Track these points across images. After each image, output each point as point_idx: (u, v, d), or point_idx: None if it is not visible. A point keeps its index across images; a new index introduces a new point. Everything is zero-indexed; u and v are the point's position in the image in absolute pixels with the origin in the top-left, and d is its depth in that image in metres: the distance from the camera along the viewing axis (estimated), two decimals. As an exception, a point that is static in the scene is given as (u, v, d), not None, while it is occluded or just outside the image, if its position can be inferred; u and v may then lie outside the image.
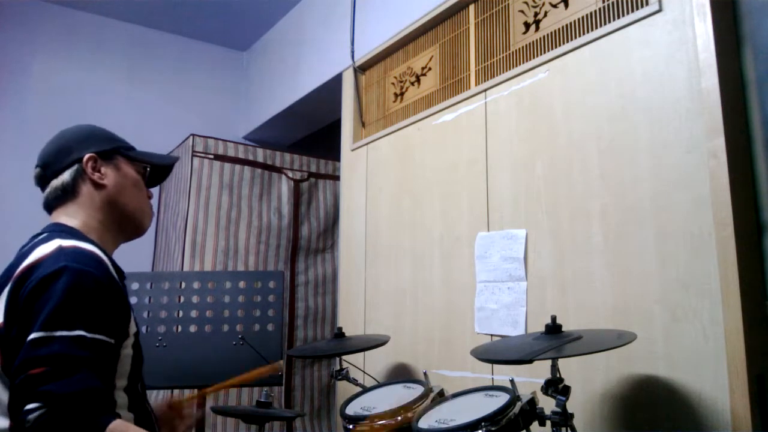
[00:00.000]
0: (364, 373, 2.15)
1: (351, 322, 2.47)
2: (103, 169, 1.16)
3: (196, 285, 2.23)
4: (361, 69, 2.74)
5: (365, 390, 1.72)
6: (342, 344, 1.89)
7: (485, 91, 1.98)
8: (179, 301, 2.22)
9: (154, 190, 1.41)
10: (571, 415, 1.23)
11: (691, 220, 1.36)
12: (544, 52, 1.80)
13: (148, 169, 1.25)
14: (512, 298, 1.76)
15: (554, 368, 1.26)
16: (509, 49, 1.95)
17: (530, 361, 1.19)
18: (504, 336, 1.76)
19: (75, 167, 1.14)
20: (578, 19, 1.72)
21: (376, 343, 1.88)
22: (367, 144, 2.56)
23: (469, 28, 2.15)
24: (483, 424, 1.21)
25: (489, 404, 1.30)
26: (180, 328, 2.18)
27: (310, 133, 3.86)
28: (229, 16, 3.56)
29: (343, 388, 2.50)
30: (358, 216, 2.55)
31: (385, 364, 2.25)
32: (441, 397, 1.52)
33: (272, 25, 3.66)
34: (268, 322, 2.23)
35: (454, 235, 2.02)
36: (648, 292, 1.42)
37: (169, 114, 3.61)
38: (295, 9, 3.42)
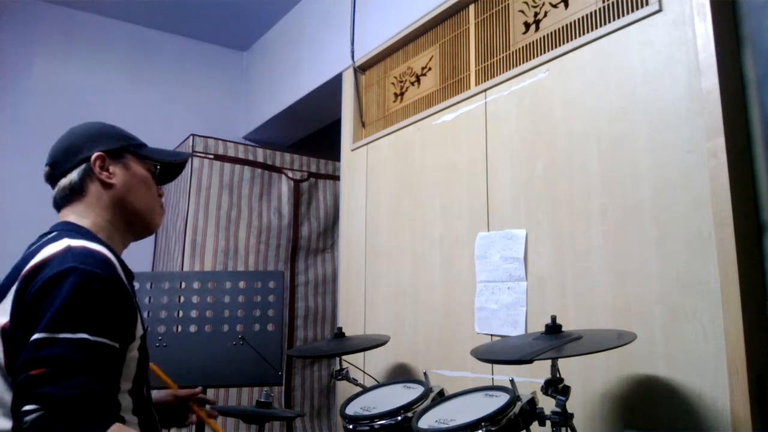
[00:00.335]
0: (364, 373, 2.15)
1: (351, 322, 2.47)
2: (111, 168, 1.14)
3: (196, 285, 2.23)
4: (361, 69, 2.74)
5: (365, 390, 1.72)
6: (342, 344, 1.89)
7: (485, 91, 1.98)
8: (179, 301, 2.22)
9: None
10: (571, 415, 1.23)
11: (691, 220, 1.36)
12: (544, 52, 1.80)
13: (158, 167, 1.24)
14: (512, 298, 1.76)
15: (554, 368, 1.26)
16: (509, 49, 1.95)
17: (530, 361, 1.19)
18: (504, 336, 1.76)
19: (83, 166, 1.13)
20: (578, 19, 1.72)
21: (376, 343, 1.88)
22: (367, 144, 2.56)
23: (469, 28, 2.15)
24: (483, 424, 1.21)
25: (489, 404, 1.30)
26: (180, 328, 2.18)
27: (310, 133, 3.86)
28: (229, 16, 3.56)
29: (343, 388, 2.50)
30: (358, 216, 2.55)
31: (385, 364, 2.25)
32: (441, 397, 1.52)
33: (272, 25, 3.66)
34: (268, 322, 2.23)
35: (454, 235, 2.02)
36: (648, 292, 1.42)
37: (169, 114, 3.61)
38: (295, 9, 3.42)
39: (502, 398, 1.31)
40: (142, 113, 3.50)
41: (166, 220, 3.38)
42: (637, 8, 1.55)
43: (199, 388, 1.46)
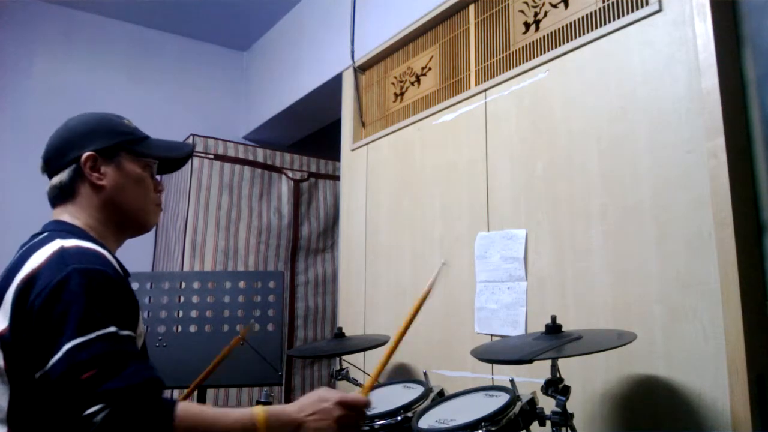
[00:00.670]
0: (364, 373, 2.15)
1: (351, 322, 2.47)
2: (102, 169, 1.11)
3: (196, 285, 2.23)
4: (361, 69, 2.74)
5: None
6: (342, 344, 1.89)
7: (485, 91, 1.98)
8: (179, 301, 2.22)
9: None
10: (571, 415, 1.23)
11: (691, 220, 1.36)
12: (544, 52, 1.80)
13: (156, 162, 1.20)
14: (512, 298, 1.76)
15: (554, 368, 1.26)
16: (509, 49, 1.95)
17: (530, 361, 1.19)
18: (504, 336, 1.76)
19: (73, 166, 1.10)
20: (578, 19, 1.72)
21: (376, 343, 1.88)
22: (367, 144, 2.56)
23: (469, 28, 2.15)
24: (483, 424, 1.21)
25: (489, 404, 1.30)
26: (180, 328, 2.18)
27: (310, 133, 3.86)
28: (229, 16, 3.56)
29: (343, 388, 2.50)
30: (358, 216, 2.55)
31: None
32: (441, 397, 1.52)
33: (272, 25, 3.66)
34: (268, 322, 2.23)
35: (454, 235, 2.02)
36: (648, 292, 1.42)
37: (169, 114, 3.61)
38: (295, 9, 3.42)
39: (502, 398, 1.32)
40: (142, 113, 3.46)
41: (166, 220, 3.38)
42: (637, 8, 1.55)
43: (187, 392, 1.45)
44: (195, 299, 2.21)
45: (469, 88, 2.08)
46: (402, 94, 2.47)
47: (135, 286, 2.16)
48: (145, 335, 1.11)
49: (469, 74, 2.11)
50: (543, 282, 1.69)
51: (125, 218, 1.15)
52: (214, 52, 3.92)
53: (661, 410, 1.36)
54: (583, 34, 1.69)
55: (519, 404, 1.27)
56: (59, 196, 1.12)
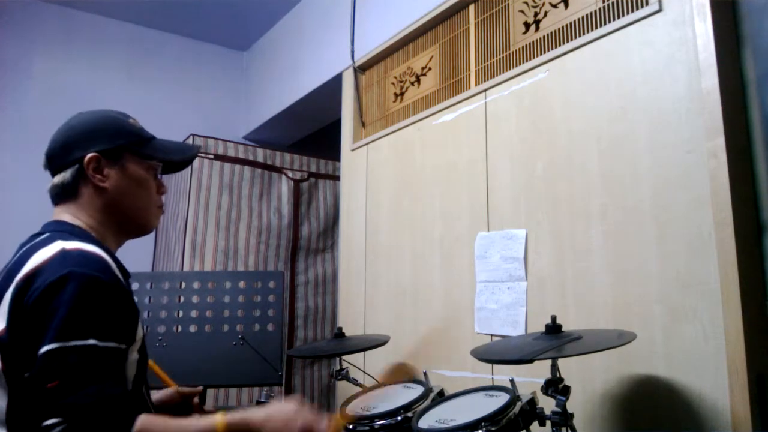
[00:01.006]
0: (364, 373, 2.15)
1: (351, 322, 2.47)
2: (105, 171, 1.10)
3: (196, 285, 2.23)
4: (361, 69, 2.74)
5: (366, 390, 1.72)
6: (342, 344, 1.89)
7: (485, 91, 1.98)
8: (179, 301, 2.21)
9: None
10: (571, 415, 1.23)
11: (691, 220, 1.36)
12: (544, 52, 1.80)
13: (161, 164, 1.20)
14: (512, 298, 1.76)
15: (554, 368, 1.26)
16: (509, 49, 1.95)
17: (530, 361, 1.19)
18: (504, 336, 1.76)
19: (76, 166, 1.09)
20: (578, 19, 1.72)
21: (376, 343, 1.88)
22: (367, 144, 2.56)
23: (469, 28, 2.15)
24: (483, 424, 1.21)
25: (489, 404, 1.30)
26: (180, 328, 2.18)
27: (310, 133, 3.86)
28: (229, 16, 3.56)
29: (343, 388, 2.50)
30: (358, 216, 2.55)
31: (385, 364, 2.25)
32: (441, 397, 1.52)
33: (272, 25, 3.66)
34: (268, 322, 2.23)
35: (454, 235, 2.02)
36: (648, 292, 1.42)
37: (169, 114, 3.61)
38: (295, 9, 3.42)
39: (502, 398, 1.31)
40: (142, 113, 3.44)
41: (166, 220, 3.38)
42: (637, 8, 1.55)
43: (200, 388, 1.45)
44: (195, 299, 2.21)
45: (469, 88, 2.08)
46: (402, 94, 2.47)
47: (135, 286, 2.16)
48: (144, 337, 1.10)
49: (469, 74, 2.11)
50: (543, 282, 1.69)
51: (126, 220, 1.15)
52: (214, 52, 3.92)
53: (661, 410, 1.36)
54: (583, 34, 1.69)
55: (519, 404, 1.27)
56: (61, 195, 1.11)
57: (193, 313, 2.19)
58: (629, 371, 1.44)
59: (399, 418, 1.44)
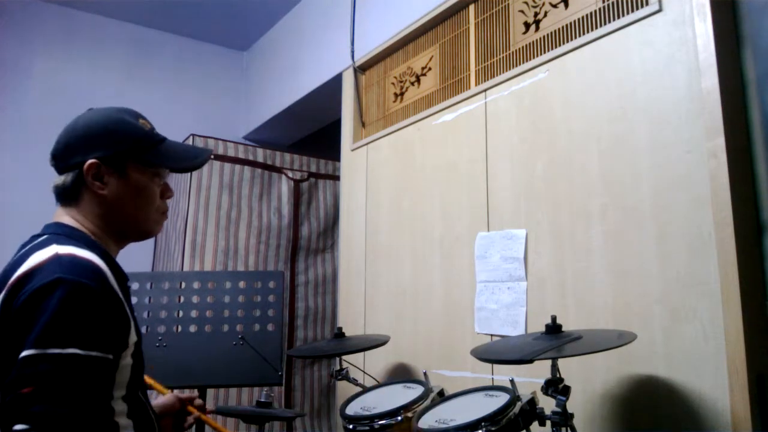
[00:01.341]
0: (364, 373, 2.15)
1: (351, 322, 2.47)
2: (105, 178, 1.08)
3: (196, 285, 2.23)
4: (361, 69, 2.74)
5: (365, 390, 1.72)
6: (342, 344, 1.89)
7: (485, 91, 1.98)
8: (179, 301, 2.22)
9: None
10: (571, 415, 1.23)
11: (691, 220, 1.36)
12: (544, 52, 1.80)
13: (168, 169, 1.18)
14: (512, 298, 1.76)
15: (554, 368, 1.26)
16: (509, 49, 1.95)
17: (530, 361, 1.19)
18: (504, 336, 1.76)
19: (77, 171, 1.07)
20: (578, 19, 1.72)
21: (376, 343, 1.88)
22: (367, 144, 2.56)
23: (469, 28, 2.15)
24: (483, 424, 1.21)
25: (489, 404, 1.30)
26: (180, 328, 2.18)
27: (310, 133, 3.86)
28: (229, 16, 3.56)
29: (343, 388, 2.50)
30: (358, 216, 2.55)
31: (385, 364, 2.25)
32: (441, 397, 1.52)
33: (272, 25, 3.66)
34: (268, 322, 2.23)
35: (454, 235, 2.02)
36: (648, 292, 1.42)
37: (169, 114, 3.60)
38: (295, 9, 3.42)
39: (502, 398, 1.31)
40: (142, 113, 3.49)
41: (166, 221, 3.38)
42: (637, 8, 1.55)
43: (196, 394, 1.45)
44: (195, 299, 2.21)
45: (469, 88, 2.08)
46: (402, 94, 2.47)
47: (135, 286, 2.16)
48: (140, 341, 1.08)
49: (469, 74, 2.11)
50: (543, 282, 1.69)
51: (127, 227, 1.13)
52: (214, 52, 3.92)
53: (661, 410, 1.36)
54: (583, 34, 1.69)
55: (519, 404, 1.27)
56: (62, 197, 1.10)
57: (193, 313, 2.19)
58: (629, 371, 1.44)
59: (399, 418, 1.44)
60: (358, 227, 2.54)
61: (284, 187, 3.34)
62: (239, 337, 2.18)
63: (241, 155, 3.24)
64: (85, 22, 3.47)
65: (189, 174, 3.06)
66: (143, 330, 2.12)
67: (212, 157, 3.14)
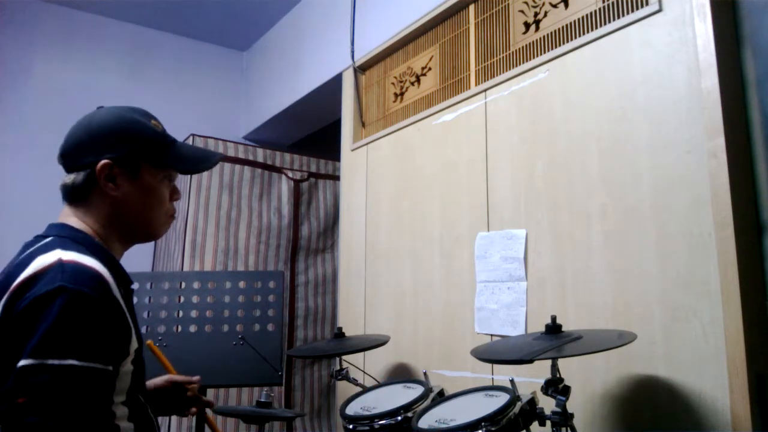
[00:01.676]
0: (364, 373, 2.15)
1: (351, 322, 2.47)
2: (118, 180, 1.08)
3: (196, 285, 2.23)
4: (361, 69, 2.74)
5: (365, 390, 1.72)
6: (342, 344, 1.89)
7: (485, 91, 1.98)
8: (179, 301, 2.22)
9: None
10: (571, 415, 1.23)
11: (691, 220, 1.36)
12: (544, 52, 1.80)
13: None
14: (512, 298, 1.76)
15: (554, 368, 1.26)
16: (509, 49, 1.95)
17: (530, 361, 1.19)
18: (504, 336, 1.76)
19: (88, 171, 1.06)
20: (578, 19, 1.72)
21: (376, 343, 1.88)
22: (367, 144, 2.56)
23: (469, 28, 2.15)
24: (483, 424, 1.21)
25: (489, 404, 1.30)
26: (180, 328, 2.18)
27: (310, 133, 3.86)
28: (229, 16, 3.56)
29: (343, 388, 2.50)
30: (358, 216, 2.55)
31: (385, 364, 2.25)
32: (441, 397, 1.52)
33: (272, 25, 3.66)
34: (268, 322, 2.23)
35: (454, 235, 2.02)
36: (648, 292, 1.42)
37: (169, 114, 3.55)
38: (295, 9, 3.42)
39: (502, 398, 1.31)
40: (142, 113, 3.49)
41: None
42: (637, 8, 1.55)
43: (198, 377, 1.45)
44: (195, 299, 2.21)
45: (469, 88, 2.08)
46: (402, 94, 2.47)
47: (135, 286, 2.15)
48: (141, 348, 1.07)
49: (469, 74, 2.11)
50: (543, 282, 1.69)
51: (134, 228, 1.13)
52: (214, 52, 3.92)
53: (661, 410, 1.36)
54: (583, 34, 1.69)
55: (519, 404, 1.27)
56: (71, 196, 1.09)
57: (193, 313, 2.19)
58: (629, 371, 1.44)
59: (399, 418, 1.44)
60: (358, 227, 2.54)
61: (284, 187, 3.34)
62: (239, 337, 2.18)
63: (241, 155, 3.24)
64: (85, 22, 3.47)
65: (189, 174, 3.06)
66: (143, 330, 2.12)
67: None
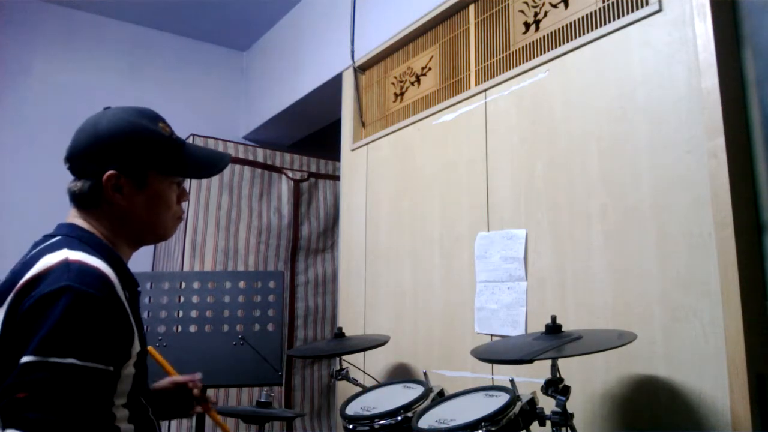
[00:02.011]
0: (364, 373, 2.15)
1: (351, 322, 2.47)
2: (125, 189, 1.07)
3: (196, 285, 2.23)
4: (361, 69, 2.74)
5: (365, 390, 1.72)
6: (342, 344, 1.89)
7: (485, 91, 1.98)
8: (179, 301, 2.22)
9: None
10: (571, 415, 1.23)
11: (691, 220, 1.36)
12: (544, 52, 1.80)
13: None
14: (512, 298, 1.76)
15: (554, 368, 1.26)
16: (509, 49, 1.95)
17: (530, 361, 1.19)
18: (504, 336, 1.76)
19: (95, 179, 1.05)
20: (578, 19, 1.72)
21: (376, 343, 1.88)
22: (367, 144, 2.56)
23: (469, 28, 2.15)
24: (483, 424, 1.21)
25: (489, 404, 1.30)
26: (180, 328, 2.18)
27: (310, 133, 3.86)
28: (229, 16, 3.56)
29: (343, 388, 2.51)
30: (358, 216, 2.55)
31: (385, 364, 2.25)
32: (441, 397, 1.52)
33: (272, 25, 3.66)
34: (268, 322, 2.23)
35: (454, 235, 2.02)
36: (648, 292, 1.42)
37: (169, 114, 3.52)
38: (295, 9, 3.42)
39: (502, 398, 1.31)
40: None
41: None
42: (637, 8, 1.55)
43: (199, 375, 1.45)
44: (195, 299, 2.22)
45: (469, 88, 2.08)
46: (402, 94, 2.47)
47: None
48: (143, 350, 1.08)
49: (469, 74, 2.11)
50: (543, 282, 1.69)
51: (142, 233, 1.14)
52: (214, 52, 3.92)
53: (661, 410, 1.36)
54: (583, 34, 1.69)
55: (519, 404, 1.27)
56: (78, 201, 1.09)
57: (193, 313, 2.19)
58: (629, 371, 1.44)
59: (399, 418, 1.44)
60: (358, 227, 2.54)
61: (284, 187, 3.34)
62: (239, 337, 2.18)
63: (241, 155, 3.24)
64: (85, 22, 3.47)
65: (189, 174, 3.06)
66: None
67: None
